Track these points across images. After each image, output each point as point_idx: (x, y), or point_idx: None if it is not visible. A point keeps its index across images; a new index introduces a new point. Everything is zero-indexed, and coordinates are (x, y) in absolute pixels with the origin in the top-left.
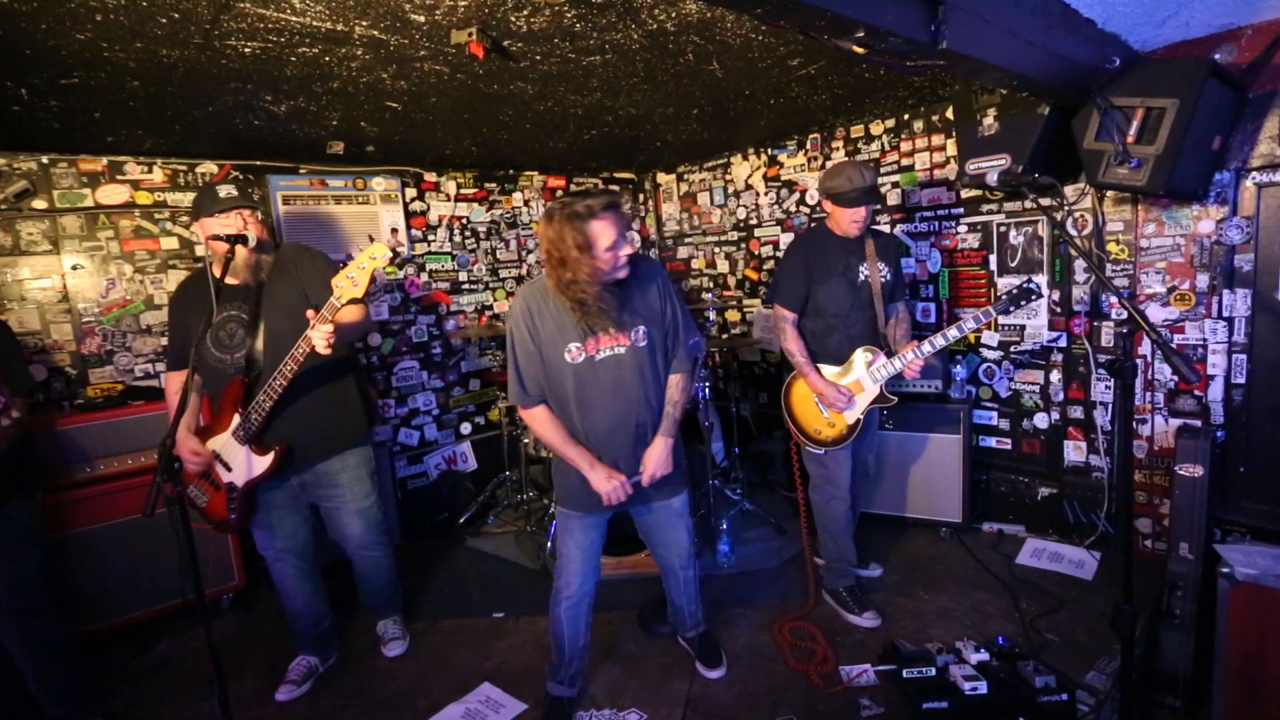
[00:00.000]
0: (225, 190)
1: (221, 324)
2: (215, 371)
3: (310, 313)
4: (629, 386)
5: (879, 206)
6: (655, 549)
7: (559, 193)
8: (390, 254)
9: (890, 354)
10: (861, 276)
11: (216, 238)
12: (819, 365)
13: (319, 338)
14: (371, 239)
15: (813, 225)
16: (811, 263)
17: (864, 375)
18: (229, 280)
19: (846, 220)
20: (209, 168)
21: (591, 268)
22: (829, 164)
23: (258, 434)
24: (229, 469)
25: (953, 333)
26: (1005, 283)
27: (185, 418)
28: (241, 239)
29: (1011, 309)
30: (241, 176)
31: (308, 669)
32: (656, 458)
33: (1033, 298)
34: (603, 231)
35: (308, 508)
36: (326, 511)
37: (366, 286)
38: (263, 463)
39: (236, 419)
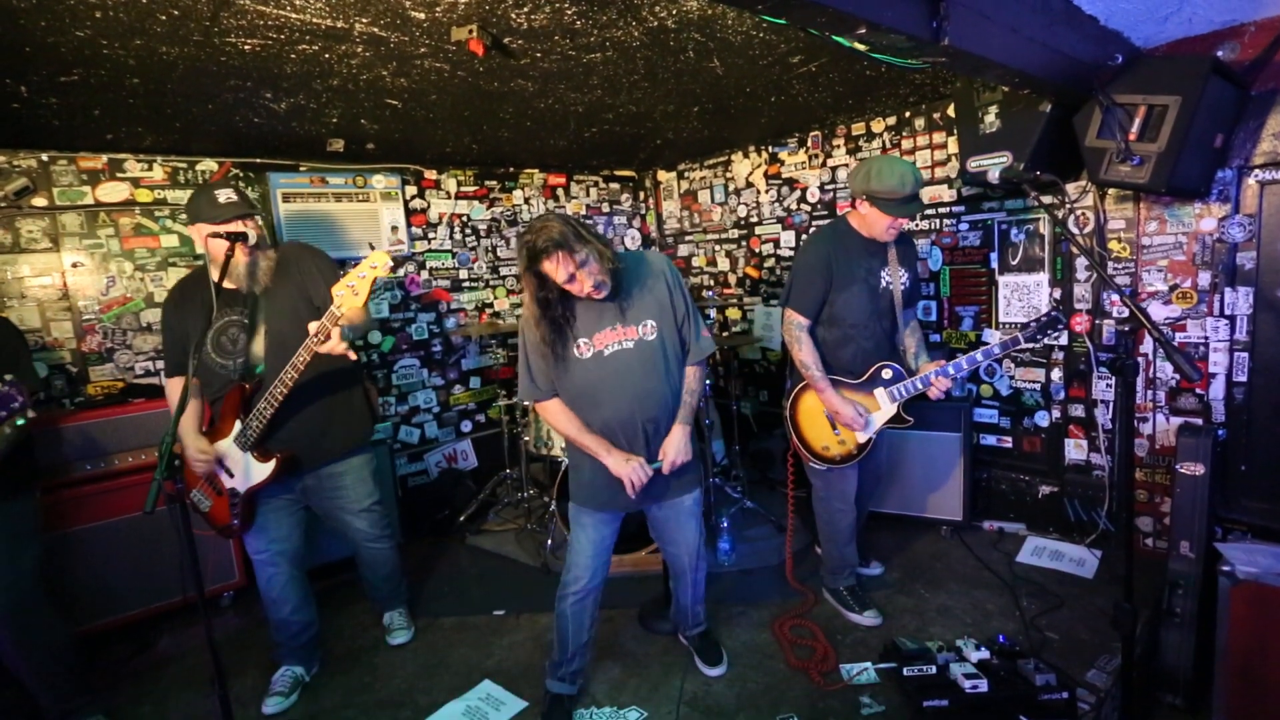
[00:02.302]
0: (225, 195)
1: (223, 329)
2: (218, 377)
3: (312, 325)
4: (639, 381)
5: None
6: (666, 547)
7: (559, 190)
8: (391, 263)
9: (909, 370)
10: (883, 283)
11: (216, 235)
12: (834, 378)
13: (321, 348)
14: (372, 246)
15: (825, 222)
16: (833, 265)
17: (882, 393)
18: (226, 284)
19: (883, 226)
20: (209, 165)
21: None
22: (829, 160)
23: (259, 440)
24: (230, 475)
25: (979, 356)
26: (1006, 281)
27: (187, 417)
28: (242, 236)
29: (1040, 337)
30: (240, 174)
31: (294, 679)
32: (676, 444)
33: (1059, 326)
34: (553, 271)
35: (303, 510)
36: (328, 512)
37: (367, 295)
38: (264, 470)
39: (238, 425)
